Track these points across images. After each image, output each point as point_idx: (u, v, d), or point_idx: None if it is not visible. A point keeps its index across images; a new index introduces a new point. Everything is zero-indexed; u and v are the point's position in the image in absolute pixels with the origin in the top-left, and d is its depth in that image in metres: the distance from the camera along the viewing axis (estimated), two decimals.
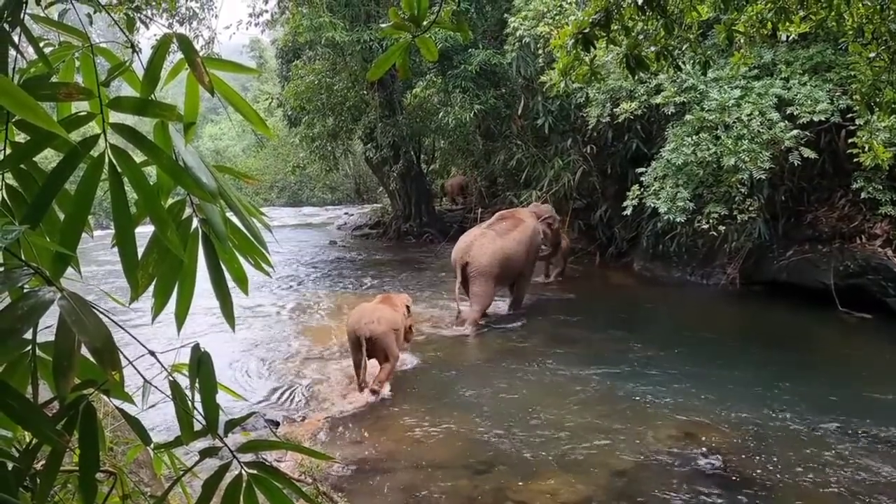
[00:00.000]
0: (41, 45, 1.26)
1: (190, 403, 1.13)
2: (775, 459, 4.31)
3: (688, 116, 8.01)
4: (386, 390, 5.59)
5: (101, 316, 0.91)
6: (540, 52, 9.88)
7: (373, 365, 5.68)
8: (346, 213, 20.91)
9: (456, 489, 4.03)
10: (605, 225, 11.45)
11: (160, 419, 3.60)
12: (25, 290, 0.93)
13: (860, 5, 3.76)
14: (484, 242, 7.82)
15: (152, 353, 1.18)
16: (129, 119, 1.23)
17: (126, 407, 1.19)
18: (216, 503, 1.10)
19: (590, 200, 11.80)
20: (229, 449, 1.10)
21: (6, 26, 1.09)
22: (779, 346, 6.78)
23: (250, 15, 14.48)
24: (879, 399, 5.31)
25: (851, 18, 3.87)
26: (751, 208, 7.89)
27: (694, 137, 7.83)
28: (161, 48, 1.12)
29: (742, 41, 4.11)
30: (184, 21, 11.85)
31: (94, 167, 0.99)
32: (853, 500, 3.84)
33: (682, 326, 7.81)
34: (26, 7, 1.13)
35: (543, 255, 9.28)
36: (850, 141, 7.00)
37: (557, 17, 8.99)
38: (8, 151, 1.12)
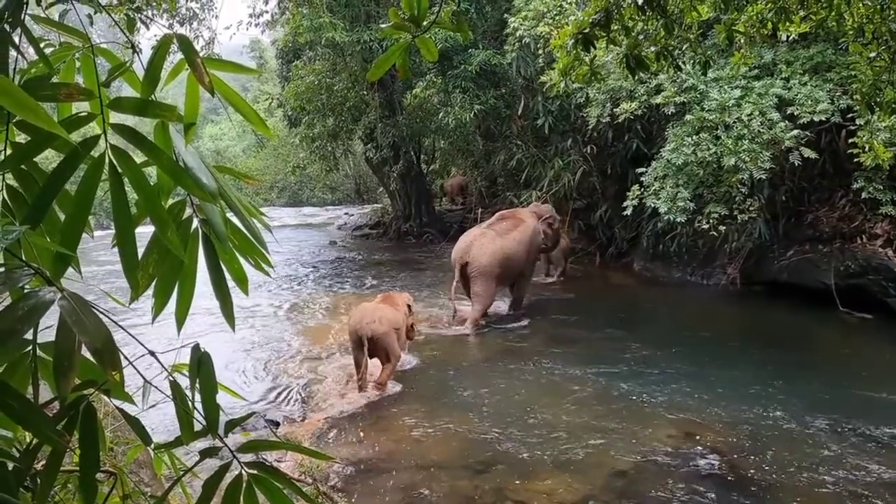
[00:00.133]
0: (42, 45, 1.26)
1: (190, 403, 1.13)
2: (774, 459, 4.30)
3: (688, 116, 8.01)
4: (390, 386, 5.66)
5: (101, 316, 0.92)
6: (540, 52, 9.88)
7: (374, 365, 5.69)
8: (346, 214, 20.92)
9: (456, 489, 4.03)
10: (606, 225, 11.45)
11: (160, 419, 3.60)
12: (26, 291, 0.93)
13: (860, 5, 3.76)
14: (484, 242, 7.82)
15: (152, 354, 1.18)
16: (129, 120, 1.23)
17: (126, 407, 1.19)
18: (216, 503, 1.10)
19: (590, 200, 11.80)
20: (229, 449, 1.10)
21: (7, 27, 1.09)
22: (779, 346, 6.78)
23: (250, 15, 14.52)
24: (880, 399, 5.31)
25: (852, 18, 3.87)
26: (751, 208, 7.89)
27: (694, 137, 7.83)
28: (161, 49, 1.12)
29: (742, 41, 4.11)
30: (184, 21, 11.87)
31: (95, 167, 0.99)
32: (852, 499, 3.84)
33: (682, 326, 7.81)
34: (27, 8, 1.13)
35: (542, 251, 9.26)
36: (850, 141, 7.00)
37: (557, 18, 8.99)
38: (9, 152, 1.12)
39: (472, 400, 5.47)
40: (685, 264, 9.99)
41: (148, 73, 1.11)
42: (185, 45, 1.10)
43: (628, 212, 8.86)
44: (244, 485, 1.07)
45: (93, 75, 1.24)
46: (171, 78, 1.23)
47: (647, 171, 8.46)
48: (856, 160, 6.54)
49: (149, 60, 1.12)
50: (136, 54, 1.33)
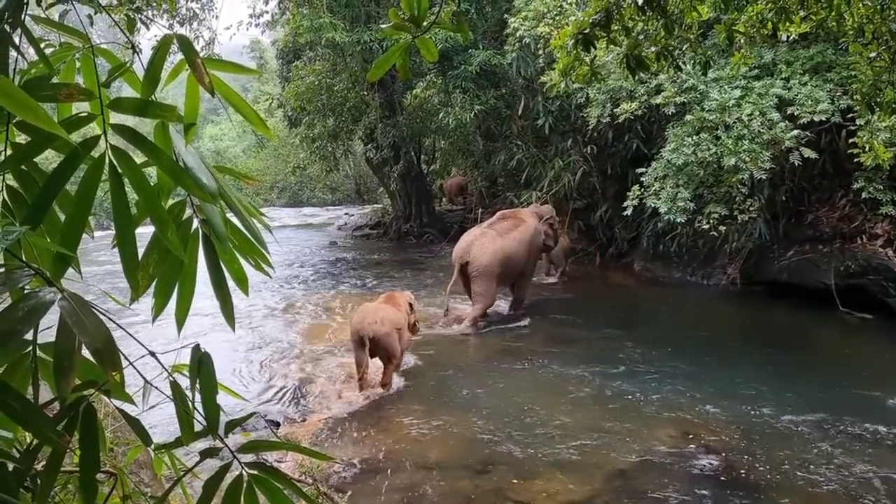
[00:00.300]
0: (42, 46, 1.26)
1: (190, 404, 1.13)
2: (773, 459, 4.30)
3: (688, 117, 8.01)
4: (395, 381, 5.77)
5: (101, 316, 0.92)
6: (540, 52, 9.88)
7: (376, 365, 5.71)
8: (346, 214, 20.93)
9: (456, 489, 4.03)
10: (606, 225, 11.45)
11: (161, 420, 3.60)
12: (26, 291, 0.93)
13: (860, 5, 3.76)
14: (484, 242, 7.82)
15: (153, 354, 1.18)
16: (129, 120, 1.23)
17: (126, 407, 1.19)
18: None
19: (590, 201, 11.80)
20: (230, 449, 1.10)
21: (7, 27, 1.09)
22: (779, 346, 6.78)
23: (251, 16, 14.52)
24: (880, 399, 5.31)
25: (852, 18, 3.87)
26: (751, 208, 7.89)
27: (694, 138, 7.83)
28: (161, 49, 1.12)
29: (742, 41, 4.11)
30: (184, 22, 11.88)
31: (95, 168, 0.99)
32: (851, 499, 3.84)
33: (682, 326, 7.81)
34: (27, 8, 1.13)
35: (543, 251, 9.26)
36: (850, 141, 7.00)
37: (557, 18, 8.99)
38: (9, 152, 1.12)
39: (472, 400, 5.47)
40: (685, 264, 9.99)
41: (148, 74, 1.11)
42: (186, 45, 1.10)
43: (628, 212, 8.86)
44: (245, 485, 1.07)
45: (93, 76, 1.24)
46: (171, 78, 1.23)
47: (647, 172, 8.46)
48: (856, 160, 6.54)
49: (149, 61, 1.12)
50: (136, 55, 1.33)
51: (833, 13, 3.82)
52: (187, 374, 1.14)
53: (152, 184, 1.08)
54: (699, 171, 7.80)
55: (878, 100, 4.07)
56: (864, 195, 7.61)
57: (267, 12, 14.35)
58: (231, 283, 1.18)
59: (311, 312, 8.76)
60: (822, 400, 5.25)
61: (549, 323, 8.04)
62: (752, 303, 8.82)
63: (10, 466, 0.97)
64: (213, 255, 1.13)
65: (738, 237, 8.75)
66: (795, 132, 7.36)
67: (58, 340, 0.88)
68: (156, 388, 1.23)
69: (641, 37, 3.60)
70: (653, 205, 8.21)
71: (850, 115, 7.09)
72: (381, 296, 6.27)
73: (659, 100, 8.28)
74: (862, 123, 6.17)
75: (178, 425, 1.14)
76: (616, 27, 3.38)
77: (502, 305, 8.57)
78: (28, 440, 1.11)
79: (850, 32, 4.02)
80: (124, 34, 1.51)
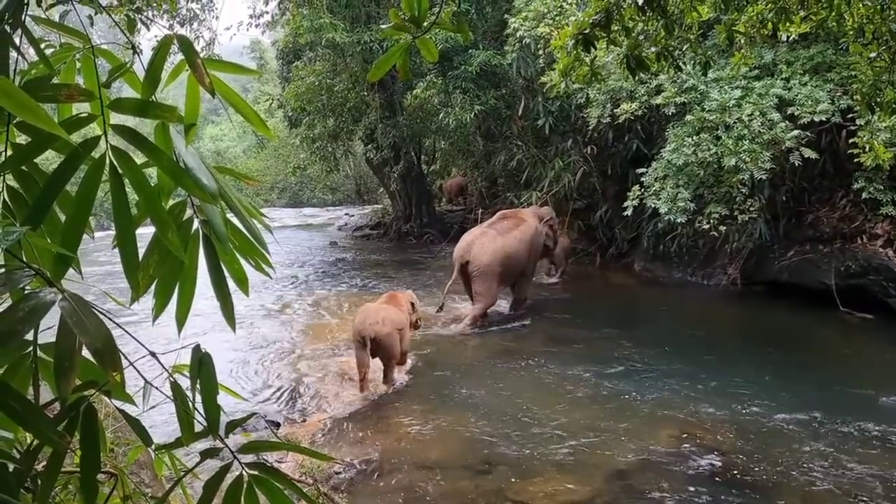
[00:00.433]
0: (42, 46, 1.26)
1: (191, 404, 1.13)
2: (773, 459, 4.30)
3: (688, 117, 8.01)
4: (400, 378, 5.91)
5: (101, 317, 0.92)
6: (540, 52, 9.88)
7: (377, 365, 5.73)
8: (346, 214, 20.93)
9: (456, 489, 4.03)
10: (606, 225, 11.45)
11: (161, 420, 3.60)
12: (27, 292, 0.93)
13: (861, 5, 3.75)
14: (485, 241, 7.82)
15: (153, 354, 1.18)
16: (130, 120, 1.23)
17: (127, 408, 1.19)
18: None
19: (590, 201, 11.80)
20: (230, 450, 1.10)
21: (7, 28, 1.09)
22: (779, 347, 6.78)
23: (251, 16, 14.52)
24: (879, 399, 5.30)
25: (852, 18, 3.87)
26: (751, 209, 7.89)
27: (694, 138, 7.83)
28: (162, 49, 1.12)
29: (742, 41, 4.11)
30: (184, 22, 11.88)
31: (95, 168, 0.99)
32: (851, 499, 3.84)
33: (683, 327, 7.81)
34: (27, 9, 1.13)
35: (544, 252, 9.26)
36: (850, 141, 7.00)
37: (558, 18, 8.99)
38: (9, 153, 1.12)
39: (472, 400, 5.47)
40: (686, 265, 9.99)
41: (148, 74, 1.11)
42: (186, 45, 1.11)
43: (629, 212, 8.85)
44: (245, 486, 1.07)
45: (93, 76, 1.24)
46: (171, 79, 1.23)
47: (647, 172, 8.45)
48: (856, 160, 6.53)
49: (149, 61, 1.12)
50: (136, 55, 1.33)
51: (833, 13, 3.82)
52: (187, 374, 1.14)
53: (153, 184, 1.08)
54: (699, 171, 7.79)
55: (879, 100, 4.07)
56: (864, 195, 7.61)
57: (267, 13, 14.36)
58: (231, 284, 1.18)
59: (311, 312, 8.77)
60: (821, 400, 5.25)
61: (549, 323, 8.04)
62: (753, 303, 8.81)
63: (11, 467, 0.97)
64: (213, 255, 1.13)
65: (738, 237, 8.75)
66: (796, 132, 7.36)
67: (58, 341, 0.88)
68: (156, 388, 1.23)
69: (641, 37, 3.60)
70: (653, 205, 8.20)
71: (851, 115, 7.09)
72: (382, 295, 6.29)
73: (659, 100, 8.27)
74: (862, 123, 6.17)
75: (178, 425, 1.14)
76: (616, 27, 3.38)
77: (503, 305, 8.57)
78: (28, 440, 1.11)
79: (851, 32, 4.02)
80: (124, 35, 1.51)
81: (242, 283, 1.20)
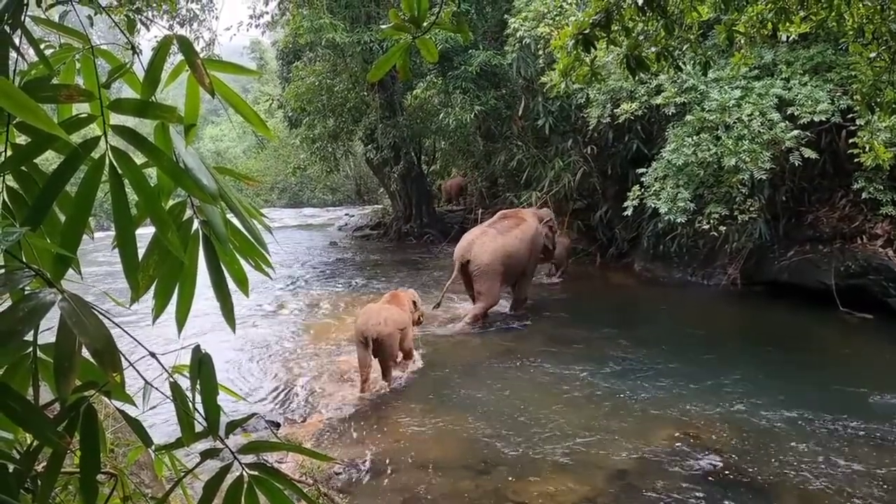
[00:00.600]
0: (42, 47, 1.26)
1: (191, 405, 1.13)
2: (773, 459, 4.30)
3: (688, 117, 8.01)
4: (404, 376, 5.98)
5: (101, 317, 0.92)
6: (540, 52, 9.89)
7: (378, 365, 5.74)
8: (346, 214, 20.93)
9: (456, 490, 4.03)
10: (606, 225, 11.45)
11: (161, 420, 3.60)
12: (26, 292, 0.93)
13: (860, 5, 3.75)
14: (485, 241, 7.83)
15: (153, 355, 1.18)
16: (129, 121, 1.23)
17: (127, 408, 1.19)
18: None
19: (590, 201, 11.80)
20: (230, 450, 1.10)
21: (7, 28, 1.09)
22: (779, 346, 6.78)
23: (251, 16, 14.54)
24: (879, 399, 5.30)
25: (852, 19, 3.87)
26: (751, 209, 7.89)
27: (694, 138, 7.83)
28: (161, 50, 1.12)
29: (742, 41, 4.11)
30: (184, 23, 11.89)
31: (95, 169, 0.99)
32: (850, 499, 3.83)
33: (683, 327, 7.80)
34: (27, 9, 1.13)
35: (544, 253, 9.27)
36: (850, 141, 7.00)
37: (558, 18, 8.99)
38: (9, 153, 1.12)
39: (472, 400, 5.47)
40: (686, 265, 9.99)
41: (148, 75, 1.11)
42: (186, 46, 1.10)
43: (629, 212, 8.86)
44: (245, 486, 1.07)
45: (93, 76, 1.24)
46: (171, 79, 1.23)
47: (647, 172, 8.46)
48: (856, 160, 6.54)
49: (149, 62, 1.12)
50: (136, 55, 1.33)
51: (833, 13, 3.82)
52: (187, 374, 1.14)
53: (152, 185, 1.07)
54: (699, 171, 7.80)
55: (878, 100, 4.07)
56: (864, 195, 7.61)
57: (267, 13, 14.38)
58: (231, 284, 1.18)
59: (310, 312, 8.77)
60: (821, 399, 5.25)
61: (549, 323, 8.04)
62: (753, 303, 8.81)
63: (11, 468, 0.97)
64: (213, 255, 1.13)
65: (738, 237, 8.75)
66: (795, 132, 7.36)
67: (58, 341, 0.88)
68: (156, 388, 1.23)
69: (641, 37, 3.60)
70: (653, 205, 8.21)
71: (850, 115, 7.09)
72: (384, 295, 6.31)
73: (659, 100, 8.28)
74: (862, 124, 6.17)
75: (178, 426, 1.14)
76: (616, 27, 3.38)
77: (503, 305, 8.57)
78: (28, 441, 1.11)
79: (850, 33, 4.02)
80: (124, 35, 1.51)
81: (242, 283, 1.20)
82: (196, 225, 1.14)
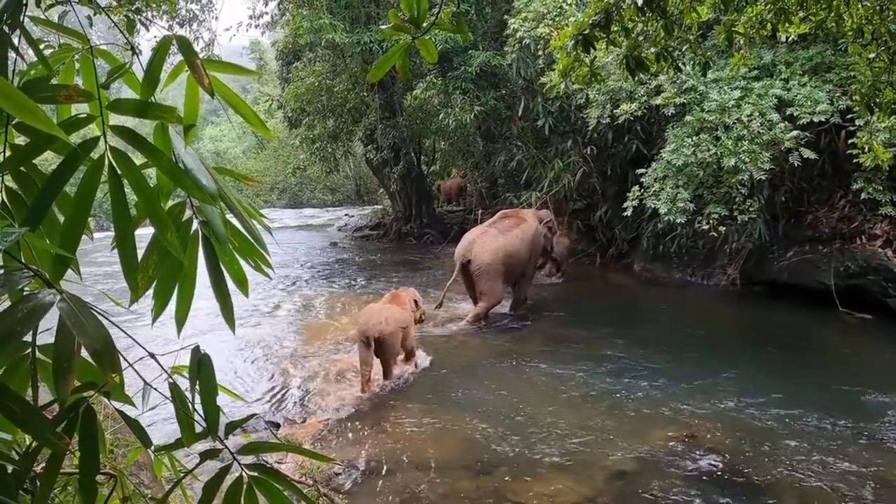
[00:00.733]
0: (41, 47, 1.26)
1: (190, 405, 1.13)
2: (773, 459, 4.30)
3: (688, 117, 8.01)
4: (405, 375, 6.00)
5: (100, 318, 0.91)
6: (540, 53, 9.88)
7: (378, 366, 5.75)
8: (346, 215, 20.92)
9: (456, 490, 4.03)
10: (606, 226, 11.45)
11: (161, 421, 3.60)
12: (25, 293, 0.93)
13: (860, 6, 3.76)
14: (486, 240, 7.83)
15: (152, 356, 1.18)
16: (129, 121, 1.23)
17: (126, 409, 1.19)
18: None
19: (590, 201, 11.80)
20: (230, 451, 1.10)
21: (6, 28, 1.09)
22: (779, 347, 6.78)
23: (250, 17, 14.54)
24: (879, 399, 5.30)
25: (851, 19, 3.88)
26: (751, 209, 7.89)
27: (694, 138, 7.83)
28: (161, 50, 1.12)
29: (742, 42, 4.12)
30: (184, 23, 11.89)
31: (94, 169, 0.99)
32: (850, 499, 3.83)
33: (682, 327, 7.81)
34: (26, 9, 1.13)
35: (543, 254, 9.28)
36: (850, 142, 7.00)
37: (557, 19, 8.99)
38: (8, 154, 1.12)
39: (472, 400, 5.47)
40: (685, 265, 9.99)
41: (147, 75, 1.11)
42: (185, 46, 1.10)
43: (628, 213, 8.86)
44: (245, 487, 1.07)
45: (92, 77, 1.24)
46: (170, 79, 1.23)
47: (647, 172, 8.46)
48: (855, 161, 6.53)
49: (148, 62, 1.12)
50: (135, 56, 1.33)
51: (832, 14, 3.82)
52: (187, 375, 1.13)
53: (152, 185, 1.07)
54: (699, 171, 7.80)
55: (878, 100, 4.07)
56: (863, 196, 7.62)
57: (267, 13, 14.38)
58: (231, 285, 1.17)
59: (310, 313, 8.76)
60: (821, 399, 5.25)
61: (548, 323, 8.04)
62: (752, 303, 8.82)
63: (10, 468, 0.97)
64: (212, 256, 1.13)
65: (737, 238, 8.75)
66: (795, 133, 7.37)
67: (57, 342, 0.88)
68: (155, 389, 1.23)
69: (641, 38, 3.60)
70: (653, 205, 8.21)
71: (850, 115, 7.09)
72: (385, 295, 6.33)
73: (658, 101, 8.28)
74: (861, 124, 6.16)
75: (177, 426, 1.14)
76: (616, 28, 3.38)
77: (503, 305, 8.57)
78: (27, 442, 1.11)
79: (850, 33, 4.03)
80: (124, 35, 1.51)
81: (242, 283, 1.20)
82: (195, 225, 1.14)
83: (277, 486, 1.08)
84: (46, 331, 0.92)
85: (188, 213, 1.15)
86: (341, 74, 13.34)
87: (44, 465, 1.03)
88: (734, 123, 7.58)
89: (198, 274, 1.18)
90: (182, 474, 1.35)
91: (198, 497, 1.13)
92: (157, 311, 1.16)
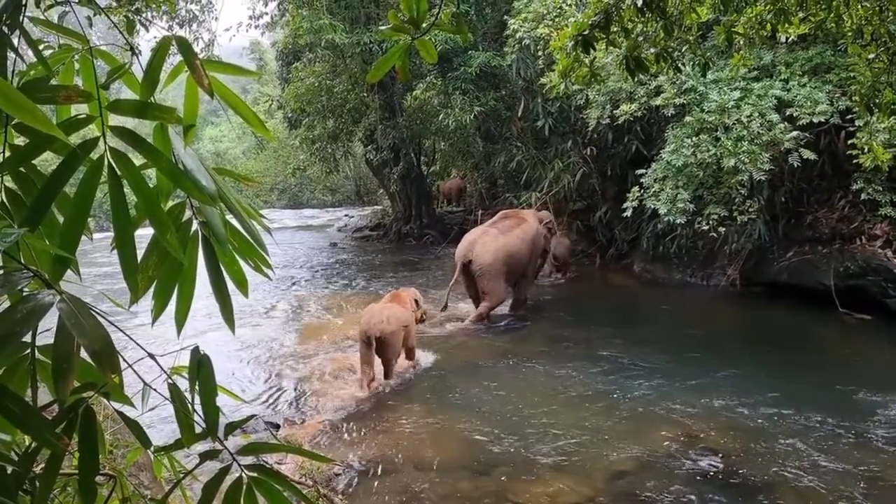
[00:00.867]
0: (41, 47, 1.26)
1: (190, 406, 1.13)
2: (773, 459, 4.30)
3: (687, 118, 8.02)
4: (406, 375, 6.02)
5: (100, 318, 0.91)
6: (540, 53, 9.89)
7: (378, 367, 5.76)
8: (346, 215, 20.93)
9: (455, 490, 4.03)
10: (606, 226, 11.46)
11: (160, 421, 3.59)
12: (25, 293, 0.93)
13: (859, 7, 3.76)
14: (487, 240, 7.84)
15: (152, 356, 1.18)
16: (128, 122, 1.23)
17: (126, 410, 1.19)
18: None
19: (590, 202, 11.80)
20: (229, 452, 1.10)
21: (5, 29, 1.09)
22: (779, 347, 6.78)
23: (250, 17, 14.54)
24: (879, 400, 5.30)
25: (850, 20, 3.88)
26: (751, 210, 7.89)
27: (694, 139, 7.83)
28: (161, 51, 1.12)
29: (741, 43, 4.12)
30: (183, 23, 11.90)
31: (94, 170, 0.99)
32: (850, 499, 3.83)
33: (682, 327, 7.81)
34: (25, 10, 1.13)
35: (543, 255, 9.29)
36: (849, 142, 7.01)
37: (557, 19, 9.00)
38: (7, 154, 1.12)
39: (472, 401, 5.47)
40: (685, 265, 9.99)
41: (147, 75, 1.11)
42: (185, 46, 1.10)
43: (628, 213, 8.86)
44: (244, 487, 1.06)
45: (92, 77, 1.24)
46: (170, 80, 1.23)
47: (646, 173, 8.46)
48: (855, 161, 6.54)
49: (148, 62, 1.12)
50: (135, 56, 1.33)
51: (832, 14, 3.83)
52: (186, 376, 1.13)
53: (151, 186, 1.07)
54: (699, 172, 7.80)
55: (877, 101, 4.08)
56: (863, 196, 7.62)
57: (266, 14, 14.38)
58: (231, 285, 1.17)
59: (310, 313, 8.76)
60: (821, 400, 5.25)
61: (548, 323, 8.04)
62: (752, 304, 8.82)
63: (9, 469, 0.97)
64: (212, 257, 1.13)
65: (737, 238, 8.76)
66: (794, 133, 7.37)
67: (56, 342, 0.88)
68: (155, 390, 1.23)
69: (641, 38, 3.60)
70: (652, 206, 8.21)
71: (849, 116, 7.09)
72: (386, 295, 6.34)
73: (658, 101, 8.28)
74: (861, 125, 6.17)
75: (177, 426, 1.14)
76: (615, 29, 3.38)
77: (504, 305, 8.57)
78: (27, 443, 1.11)
79: (849, 34, 4.03)
80: (123, 36, 1.51)
81: (242, 284, 1.20)
82: (195, 226, 1.14)
83: (277, 486, 1.08)
84: (46, 331, 0.92)
85: (188, 213, 1.15)
86: (341, 75, 13.34)
87: (43, 465, 1.03)
88: (734, 124, 7.58)
89: (197, 274, 1.18)
90: (182, 475, 1.35)
91: (197, 498, 1.13)
92: (157, 311, 1.16)
